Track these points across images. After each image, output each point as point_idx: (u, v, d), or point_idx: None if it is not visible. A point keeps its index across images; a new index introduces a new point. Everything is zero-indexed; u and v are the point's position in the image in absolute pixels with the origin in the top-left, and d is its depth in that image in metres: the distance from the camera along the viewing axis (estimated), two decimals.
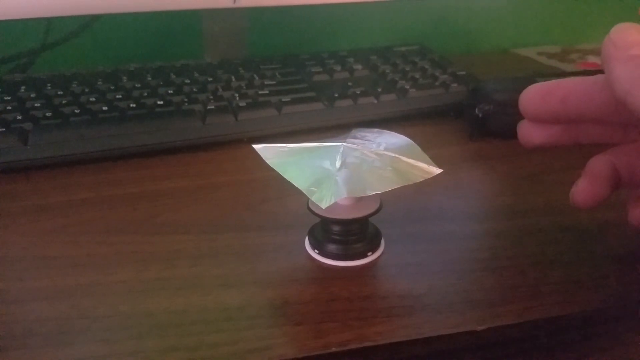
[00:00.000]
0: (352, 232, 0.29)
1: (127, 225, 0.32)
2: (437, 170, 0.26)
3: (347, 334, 0.24)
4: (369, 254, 0.29)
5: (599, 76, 0.27)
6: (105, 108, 0.43)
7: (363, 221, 0.29)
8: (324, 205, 0.25)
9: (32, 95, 0.44)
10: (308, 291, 0.27)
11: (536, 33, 0.78)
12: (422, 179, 0.26)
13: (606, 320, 0.27)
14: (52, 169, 0.39)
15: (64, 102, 0.43)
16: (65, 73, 0.49)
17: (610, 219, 0.32)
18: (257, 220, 0.33)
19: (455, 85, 0.50)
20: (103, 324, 0.25)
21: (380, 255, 0.29)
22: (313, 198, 0.25)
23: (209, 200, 0.35)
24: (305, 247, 0.30)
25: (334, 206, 0.25)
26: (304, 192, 0.26)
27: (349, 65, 0.53)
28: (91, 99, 0.44)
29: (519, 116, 0.29)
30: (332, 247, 0.29)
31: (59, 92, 0.44)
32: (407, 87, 0.49)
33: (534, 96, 0.28)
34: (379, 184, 0.25)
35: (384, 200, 0.29)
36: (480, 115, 0.43)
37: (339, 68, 0.52)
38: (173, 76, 0.48)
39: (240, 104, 0.44)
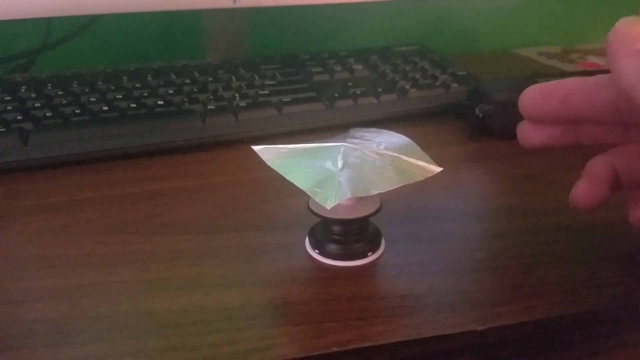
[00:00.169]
0: (352, 232, 0.29)
1: (127, 225, 0.32)
2: (438, 169, 0.26)
3: (348, 334, 0.24)
4: (369, 254, 0.29)
5: (599, 77, 0.27)
6: (105, 108, 0.43)
7: (363, 221, 0.29)
8: (328, 205, 0.25)
9: (33, 95, 0.44)
10: (308, 291, 0.27)
11: (536, 33, 0.78)
12: (423, 178, 0.26)
13: (606, 320, 0.27)
14: (52, 169, 0.39)
15: (64, 102, 0.43)
16: (66, 73, 0.49)
17: (610, 219, 0.32)
18: (257, 220, 0.33)
19: (455, 85, 0.50)
20: (103, 323, 0.25)
21: (381, 255, 0.29)
22: (317, 199, 0.25)
23: (209, 200, 0.35)
24: (305, 247, 0.30)
25: (334, 206, 0.25)
26: (308, 193, 0.26)
27: (349, 66, 0.53)
28: (91, 99, 0.44)
29: (519, 116, 0.29)
30: (332, 247, 0.29)
31: (59, 92, 0.45)
32: (408, 87, 0.49)
33: (534, 96, 0.28)
34: (381, 184, 0.25)
35: (384, 200, 0.29)
36: (480, 115, 0.43)
37: (339, 68, 0.52)
38: (173, 76, 0.48)
39: (241, 104, 0.44)
